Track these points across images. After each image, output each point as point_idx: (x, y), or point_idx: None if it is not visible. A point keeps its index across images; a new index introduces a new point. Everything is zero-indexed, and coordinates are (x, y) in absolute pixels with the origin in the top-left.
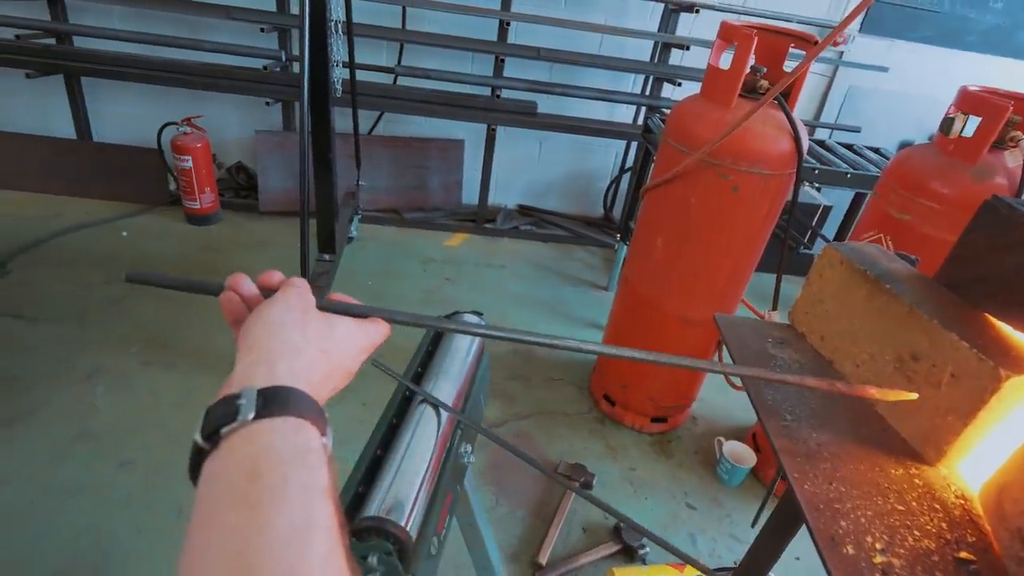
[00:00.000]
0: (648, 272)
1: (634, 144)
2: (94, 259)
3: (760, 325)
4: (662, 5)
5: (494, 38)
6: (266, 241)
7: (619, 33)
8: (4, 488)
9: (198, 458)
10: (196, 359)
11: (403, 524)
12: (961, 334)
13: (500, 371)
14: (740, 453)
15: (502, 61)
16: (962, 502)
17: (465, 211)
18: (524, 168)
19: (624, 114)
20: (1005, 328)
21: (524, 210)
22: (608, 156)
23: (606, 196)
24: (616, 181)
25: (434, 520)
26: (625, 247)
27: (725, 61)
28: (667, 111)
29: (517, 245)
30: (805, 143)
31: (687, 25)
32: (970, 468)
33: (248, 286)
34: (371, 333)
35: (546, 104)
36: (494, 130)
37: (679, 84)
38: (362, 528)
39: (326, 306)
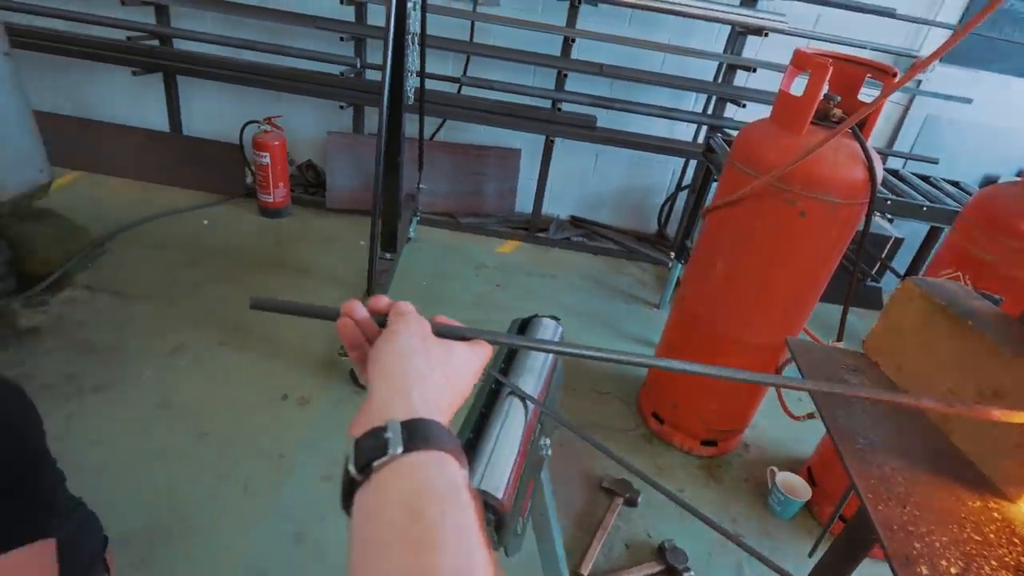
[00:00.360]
0: (706, 293)
1: (693, 163)
2: (179, 244)
3: (832, 351)
4: (729, 27)
5: (558, 53)
6: (331, 237)
7: (684, 53)
8: (94, 449)
9: (350, 488)
10: (265, 344)
11: (501, 498)
12: None
13: None
14: (794, 485)
15: (565, 76)
16: None
17: (518, 219)
18: (578, 179)
19: (684, 132)
20: None
21: (576, 221)
22: (665, 173)
23: (661, 212)
24: (672, 198)
25: (520, 503)
26: (680, 266)
27: (797, 87)
28: (730, 131)
29: (568, 256)
30: (879, 174)
31: (754, 47)
32: None
33: (361, 311)
34: (480, 356)
35: (605, 118)
36: (552, 141)
37: (743, 105)
38: None
39: (439, 331)
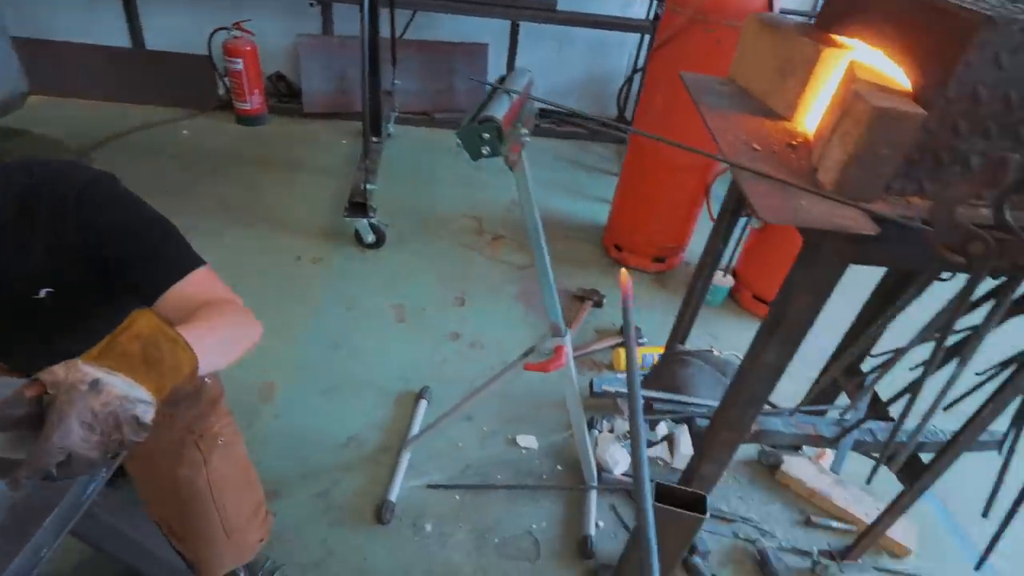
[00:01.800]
0: (651, 125)
1: (647, 43)
2: (164, 152)
3: (711, 80)
4: None
5: None
6: (313, 138)
7: None
8: None
9: None
10: (271, 220)
11: (501, 120)
12: (811, 38)
13: (524, 230)
14: (718, 278)
15: None
16: (804, 135)
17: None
18: (544, 72)
19: (639, 11)
20: (840, 38)
21: (544, 112)
22: (622, 57)
23: (619, 96)
24: (628, 81)
25: (512, 131)
26: None
27: None
28: None
29: (539, 142)
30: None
31: None
32: (809, 120)
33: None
34: None
35: (564, 3)
36: (518, 26)
37: None
38: (482, 119)
39: None
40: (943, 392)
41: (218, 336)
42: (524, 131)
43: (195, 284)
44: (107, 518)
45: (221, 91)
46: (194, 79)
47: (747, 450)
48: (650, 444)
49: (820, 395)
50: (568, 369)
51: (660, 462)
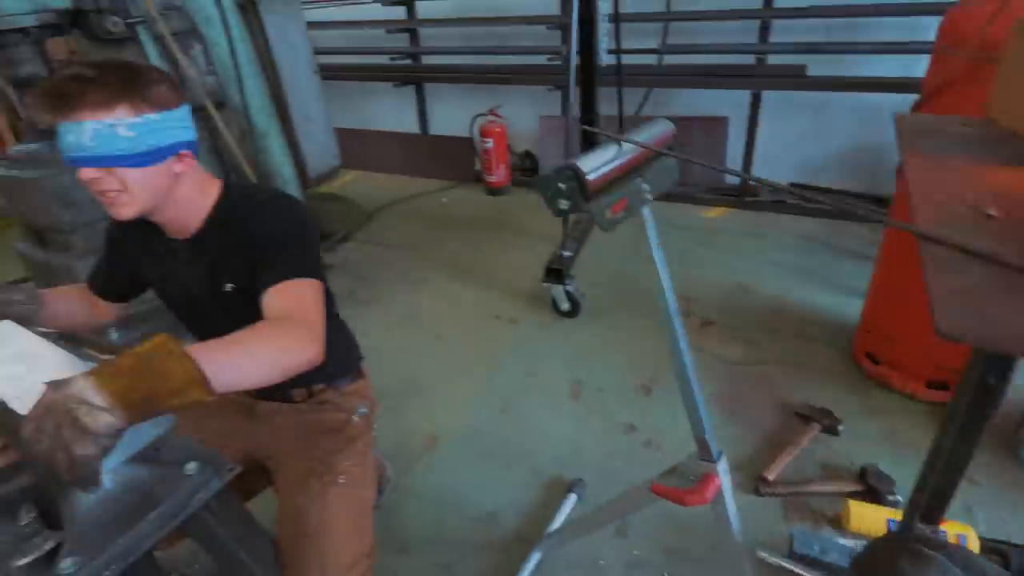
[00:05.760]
0: None
1: None
2: (424, 215)
3: (947, 120)
4: None
5: (758, 5)
6: (540, 207)
7: None
8: (360, 339)
9: None
10: (484, 280)
11: (586, 172)
12: None
13: (746, 319)
14: None
15: (767, 27)
16: None
17: (727, 187)
18: (795, 144)
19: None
20: None
21: (796, 188)
22: None
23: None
24: None
25: (610, 199)
26: None
27: None
28: None
29: (781, 219)
30: None
31: None
32: None
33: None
34: None
35: (822, 67)
36: (758, 96)
37: None
38: (561, 168)
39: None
40: None
41: (236, 353)
42: (645, 187)
43: (282, 291)
44: (213, 524)
45: (477, 166)
46: (458, 156)
47: None
48: None
49: None
50: (722, 508)
51: None
